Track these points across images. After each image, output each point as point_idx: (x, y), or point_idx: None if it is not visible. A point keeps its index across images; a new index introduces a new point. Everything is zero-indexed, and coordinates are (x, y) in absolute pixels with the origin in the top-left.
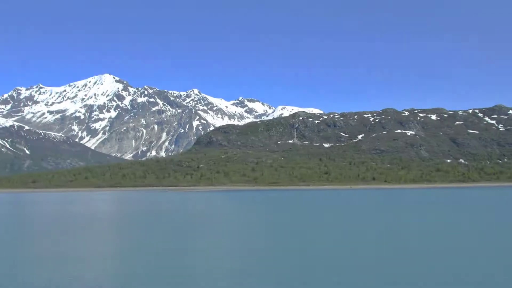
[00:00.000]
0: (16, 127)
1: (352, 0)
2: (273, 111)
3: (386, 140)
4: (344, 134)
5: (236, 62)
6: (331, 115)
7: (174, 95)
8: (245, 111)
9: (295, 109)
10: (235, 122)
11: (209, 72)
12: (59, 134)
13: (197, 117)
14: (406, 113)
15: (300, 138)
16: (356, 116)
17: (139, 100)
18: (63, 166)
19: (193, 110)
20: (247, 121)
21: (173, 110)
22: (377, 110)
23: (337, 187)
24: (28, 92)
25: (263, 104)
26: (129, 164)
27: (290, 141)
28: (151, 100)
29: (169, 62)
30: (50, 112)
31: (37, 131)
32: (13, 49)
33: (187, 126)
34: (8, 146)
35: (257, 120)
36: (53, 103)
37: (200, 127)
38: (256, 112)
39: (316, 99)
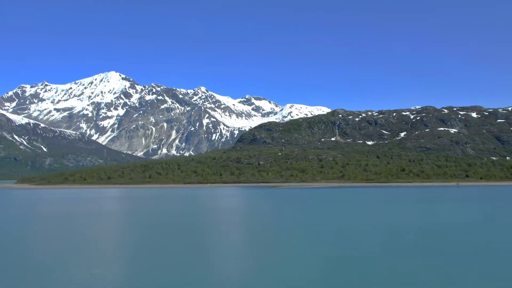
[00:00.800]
0: (32, 124)
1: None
2: (281, 109)
3: (430, 137)
4: (385, 132)
5: (242, 60)
6: (369, 113)
7: (182, 92)
8: (252, 109)
9: (303, 107)
10: (243, 120)
11: (215, 70)
12: (74, 132)
13: (207, 115)
14: (446, 110)
15: (342, 136)
16: (394, 114)
17: (148, 97)
18: (84, 164)
19: (202, 108)
20: (254, 119)
21: (182, 108)
22: (417, 107)
23: (438, 184)
24: (33, 89)
25: (270, 102)
26: (185, 161)
27: (332, 139)
28: (160, 97)
29: (175, 59)
30: (57, 110)
31: (53, 128)
32: (17, 46)
33: (197, 124)
34: (25, 143)
35: (264, 117)
36: (59, 100)
37: (210, 125)
38: (263, 110)
39: (323, 97)
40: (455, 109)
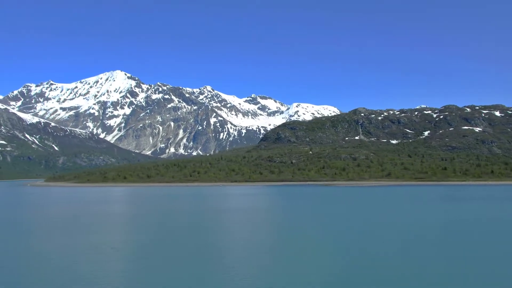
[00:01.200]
0: (43, 123)
1: None
2: (288, 108)
3: (455, 136)
4: (409, 131)
5: (247, 59)
6: (390, 112)
7: (188, 91)
8: (258, 108)
9: (309, 106)
10: (249, 119)
11: (221, 69)
12: (84, 131)
13: (214, 114)
14: (468, 109)
15: (366, 135)
16: (416, 113)
17: (154, 96)
18: (97, 163)
19: (209, 107)
20: (260, 118)
21: (189, 107)
22: (438, 107)
23: (493, 183)
24: (38, 88)
25: (275, 101)
26: (215, 160)
27: (356, 138)
28: (166, 97)
29: (180, 59)
30: (63, 109)
31: (63, 127)
32: (22, 45)
33: (204, 123)
34: (37, 142)
35: (270, 116)
36: (65, 99)
37: (218, 124)
38: (269, 109)
39: (329, 96)
40: (477, 107)
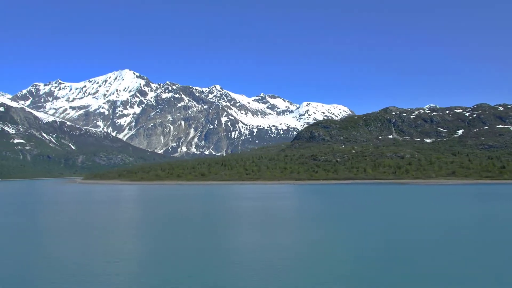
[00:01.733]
0: (58, 122)
1: None
2: (298, 108)
3: (491, 135)
4: (442, 129)
5: (255, 58)
6: (421, 110)
7: (197, 91)
8: (267, 107)
9: (319, 106)
10: (259, 118)
11: (228, 68)
12: (98, 130)
13: (225, 113)
14: (501, 108)
15: (399, 133)
16: (447, 111)
17: (164, 96)
18: (115, 162)
19: (220, 106)
20: (270, 117)
21: (199, 106)
22: (469, 106)
23: None
24: (47, 87)
25: (284, 100)
26: (257, 158)
27: (389, 136)
28: (176, 96)
29: (188, 58)
30: (73, 108)
31: (78, 126)
32: (30, 45)
33: (215, 122)
34: (54, 141)
35: (279, 115)
36: (74, 98)
37: (229, 123)
38: (278, 108)
39: (337, 95)
40: (509, 106)
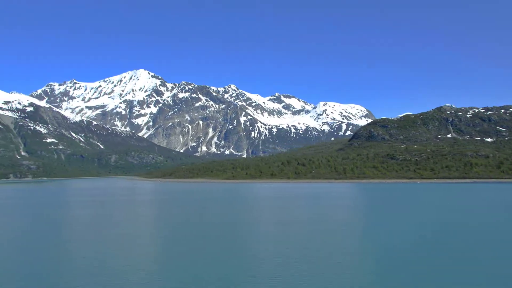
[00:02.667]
0: (85, 122)
1: None
2: (314, 108)
3: None
4: (502, 129)
5: (269, 58)
6: (475, 109)
7: (213, 90)
8: (283, 107)
9: (336, 105)
10: (275, 118)
11: (243, 68)
12: (124, 129)
13: (243, 112)
14: None
15: (457, 132)
16: (502, 111)
17: (181, 95)
18: (147, 161)
19: (238, 105)
20: (286, 117)
21: (216, 106)
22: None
23: None
24: (62, 87)
25: (299, 100)
26: (333, 157)
27: (448, 135)
28: (194, 95)
29: (202, 58)
30: (89, 108)
31: (105, 126)
32: (45, 45)
33: (234, 122)
34: (83, 141)
35: (295, 115)
36: (90, 98)
37: (248, 122)
38: (293, 108)
39: (352, 95)
40: None
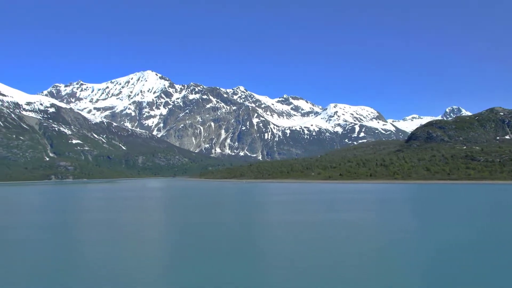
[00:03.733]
0: (106, 123)
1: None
2: (325, 109)
3: None
4: None
5: (276, 59)
6: None
7: (223, 92)
8: (291, 108)
9: (347, 107)
10: (284, 119)
11: (250, 69)
12: (143, 131)
13: (255, 114)
14: None
15: None
16: None
17: (191, 97)
18: (173, 162)
19: (250, 107)
20: (295, 118)
21: (227, 107)
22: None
23: None
24: (69, 88)
25: (307, 102)
26: (409, 159)
27: (507, 137)
28: (204, 97)
29: (210, 59)
30: (98, 109)
31: (124, 127)
32: (49, 46)
33: (247, 123)
34: (105, 142)
35: (304, 117)
36: (98, 99)
37: (261, 124)
38: (302, 109)
39: (362, 97)
40: None
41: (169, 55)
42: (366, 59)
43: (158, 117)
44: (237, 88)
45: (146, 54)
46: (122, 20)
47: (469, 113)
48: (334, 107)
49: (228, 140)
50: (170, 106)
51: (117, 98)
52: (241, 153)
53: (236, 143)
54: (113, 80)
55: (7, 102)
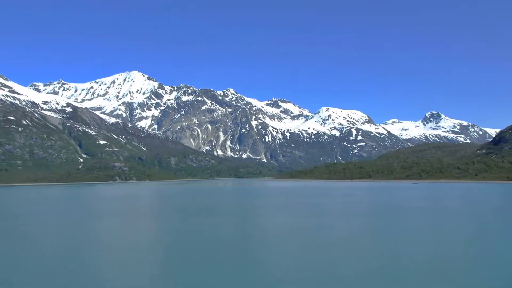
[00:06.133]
0: (121, 124)
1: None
2: (318, 113)
3: None
4: None
5: (267, 62)
6: None
7: (218, 94)
8: (281, 111)
9: (338, 111)
10: (276, 122)
11: (239, 72)
12: (159, 132)
13: (253, 116)
14: None
15: None
16: None
17: (185, 98)
18: (204, 164)
19: (247, 109)
20: (286, 121)
21: (223, 109)
22: None
23: None
24: (49, 88)
25: (295, 105)
26: (495, 161)
27: None
28: (199, 98)
29: (199, 61)
30: None
31: (140, 128)
32: (25, 45)
33: (246, 126)
34: (125, 142)
35: (294, 120)
36: (83, 99)
37: (260, 126)
38: (292, 112)
39: (351, 101)
40: None
41: (154, 57)
42: (347, 63)
43: (150, 118)
44: (227, 91)
45: (130, 55)
46: (105, 21)
47: (448, 118)
48: (327, 110)
49: (228, 142)
50: (162, 108)
51: (104, 99)
52: (244, 155)
53: (238, 146)
54: (97, 80)
55: (25, 101)
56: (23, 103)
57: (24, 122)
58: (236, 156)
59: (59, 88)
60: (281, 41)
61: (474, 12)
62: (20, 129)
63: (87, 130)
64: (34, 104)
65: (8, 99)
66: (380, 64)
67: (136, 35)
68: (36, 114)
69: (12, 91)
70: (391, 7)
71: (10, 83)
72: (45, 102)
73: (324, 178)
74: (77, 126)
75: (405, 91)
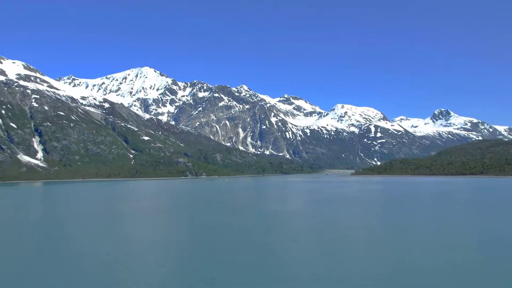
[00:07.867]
0: (155, 120)
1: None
2: (333, 109)
3: None
4: None
5: (276, 59)
6: None
7: (234, 91)
8: (293, 108)
9: (353, 108)
10: (289, 118)
11: (251, 69)
12: (190, 128)
13: (272, 113)
14: None
15: None
16: None
17: (200, 95)
18: (248, 160)
19: (266, 106)
20: (299, 118)
21: (240, 106)
22: None
23: None
24: (59, 84)
25: (306, 102)
26: None
27: None
28: (216, 95)
29: (211, 57)
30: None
31: (172, 124)
32: (37, 41)
33: (266, 122)
34: (163, 138)
35: (307, 117)
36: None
37: (279, 123)
38: (304, 109)
39: (362, 98)
40: None
41: (164, 53)
42: (356, 61)
43: (166, 114)
44: (240, 87)
45: (141, 51)
46: (113, 17)
47: (457, 116)
48: (342, 107)
49: (249, 139)
50: (177, 104)
51: (117, 95)
52: (267, 152)
53: (259, 142)
54: (108, 76)
55: (65, 96)
56: (63, 98)
57: (73, 117)
58: (258, 152)
59: (69, 84)
60: (291, 39)
61: (483, 11)
62: (71, 125)
63: (129, 126)
64: (73, 100)
65: (52, 94)
66: (386, 62)
67: (146, 31)
68: (79, 110)
69: (51, 86)
70: (392, 4)
71: (46, 78)
72: (83, 98)
73: (409, 174)
74: (119, 121)
75: (412, 88)
